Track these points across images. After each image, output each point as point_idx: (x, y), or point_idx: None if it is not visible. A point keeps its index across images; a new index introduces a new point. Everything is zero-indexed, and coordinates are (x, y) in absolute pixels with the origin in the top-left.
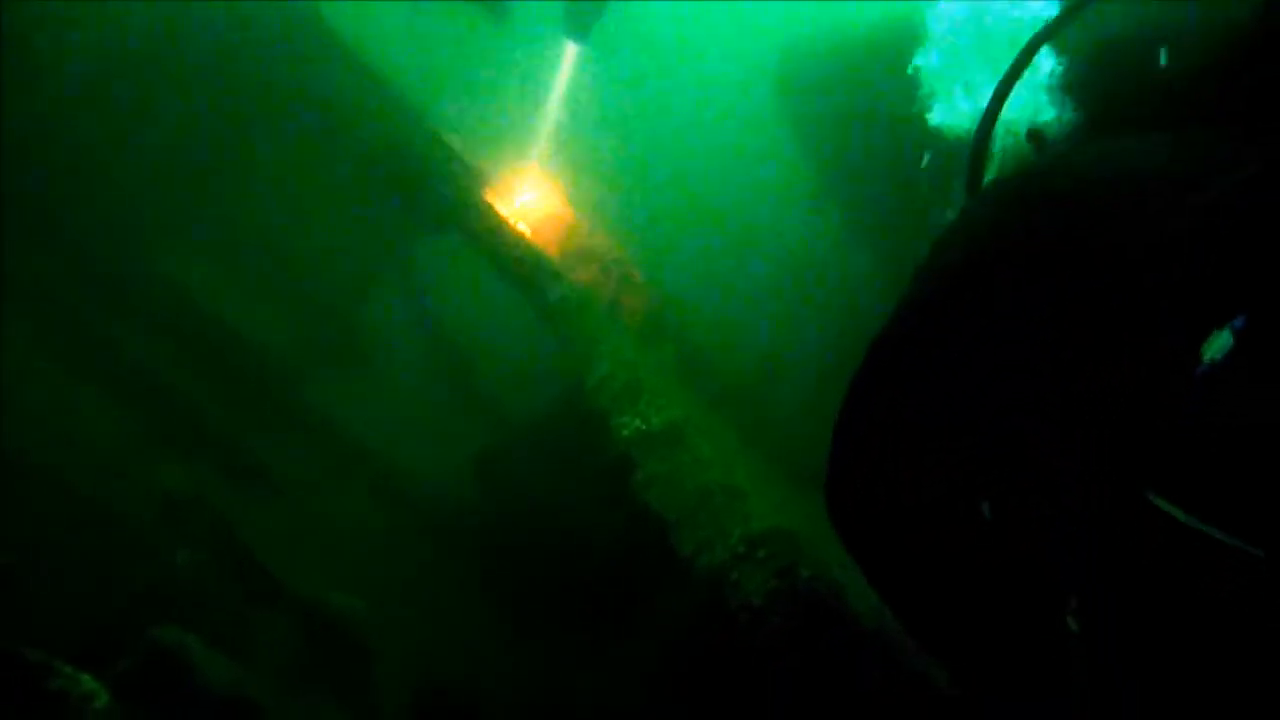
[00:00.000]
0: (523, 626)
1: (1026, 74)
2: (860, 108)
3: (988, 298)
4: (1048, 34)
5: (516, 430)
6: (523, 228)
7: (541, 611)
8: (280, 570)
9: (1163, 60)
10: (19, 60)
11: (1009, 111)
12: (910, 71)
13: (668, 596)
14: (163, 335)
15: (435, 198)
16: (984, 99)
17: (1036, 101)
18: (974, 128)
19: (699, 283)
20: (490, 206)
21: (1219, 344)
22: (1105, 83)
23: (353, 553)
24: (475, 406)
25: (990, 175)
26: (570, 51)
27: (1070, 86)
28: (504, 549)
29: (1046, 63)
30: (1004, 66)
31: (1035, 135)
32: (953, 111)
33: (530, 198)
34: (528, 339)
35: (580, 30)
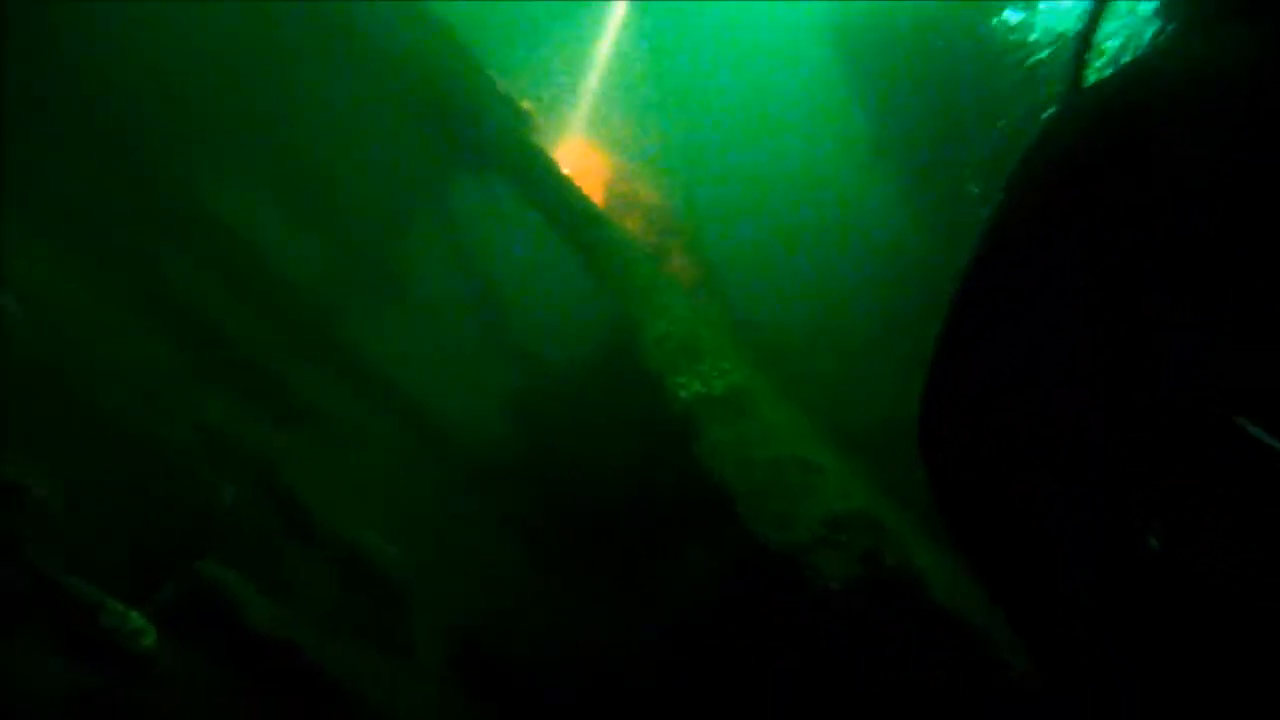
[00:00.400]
0: (552, 569)
1: None
2: (920, 69)
3: (1088, 209)
4: None
5: (553, 372)
6: (568, 172)
7: (571, 555)
8: (319, 508)
9: None
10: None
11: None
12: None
13: (699, 549)
14: (209, 266)
15: (479, 136)
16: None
17: None
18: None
19: (745, 240)
20: (535, 148)
21: None
22: None
23: (387, 490)
24: (511, 346)
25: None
26: (620, 6)
27: None
28: (536, 492)
29: None
30: None
31: None
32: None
33: (578, 144)
34: (567, 281)
35: None
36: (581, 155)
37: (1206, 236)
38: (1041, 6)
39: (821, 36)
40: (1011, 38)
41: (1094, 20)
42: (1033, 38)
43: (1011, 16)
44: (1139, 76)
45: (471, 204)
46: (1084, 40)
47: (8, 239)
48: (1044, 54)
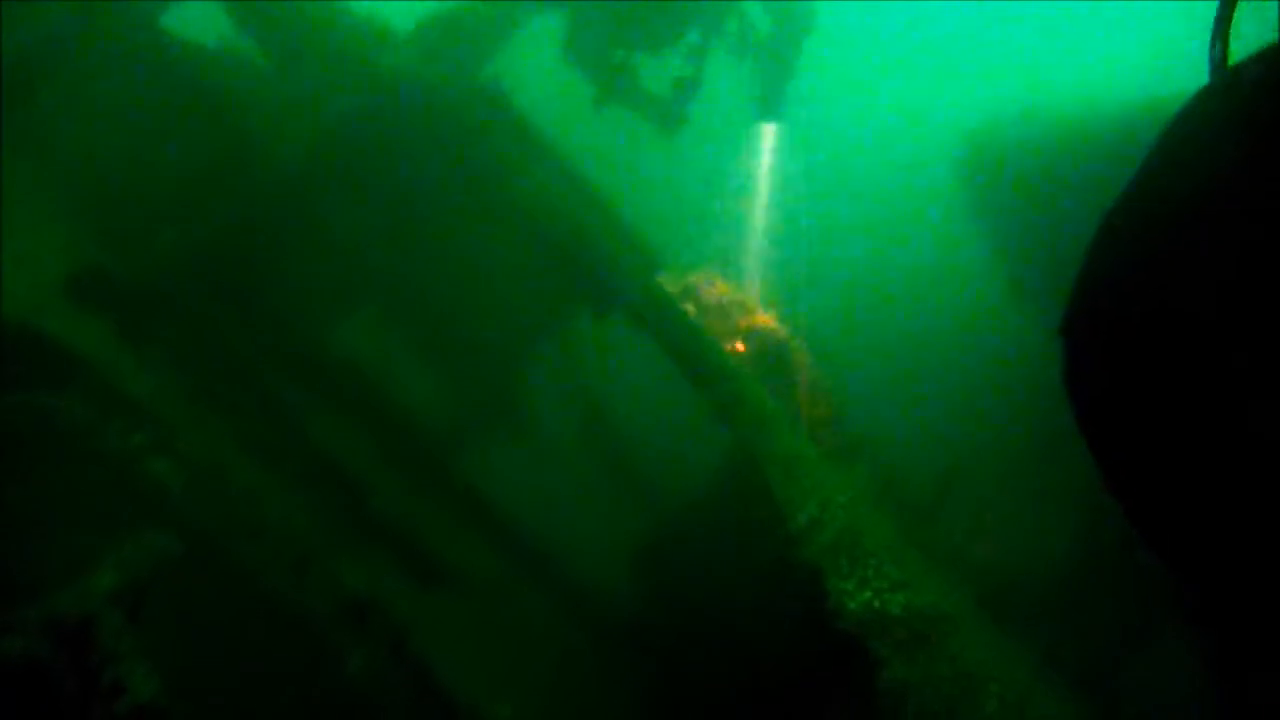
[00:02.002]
0: None
1: None
2: (1049, 196)
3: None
4: None
5: (679, 524)
6: (696, 317)
7: None
8: (448, 678)
9: None
10: (240, 150)
11: None
12: None
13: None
14: (340, 414)
15: (605, 279)
16: None
17: None
18: None
19: (878, 383)
20: (663, 294)
21: None
22: None
23: (517, 655)
24: (634, 490)
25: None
26: (767, 134)
27: None
28: (663, 653)
29: None
30: None
31: None
32: None
33: (708, 286)
34: (691, 429)
35: (772, 111)
36: (713, 289)
37: None
38: None
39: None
40: None
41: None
42: None
43: None
44: None
45: (592, 341)
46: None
47: (166, 404)
48: None
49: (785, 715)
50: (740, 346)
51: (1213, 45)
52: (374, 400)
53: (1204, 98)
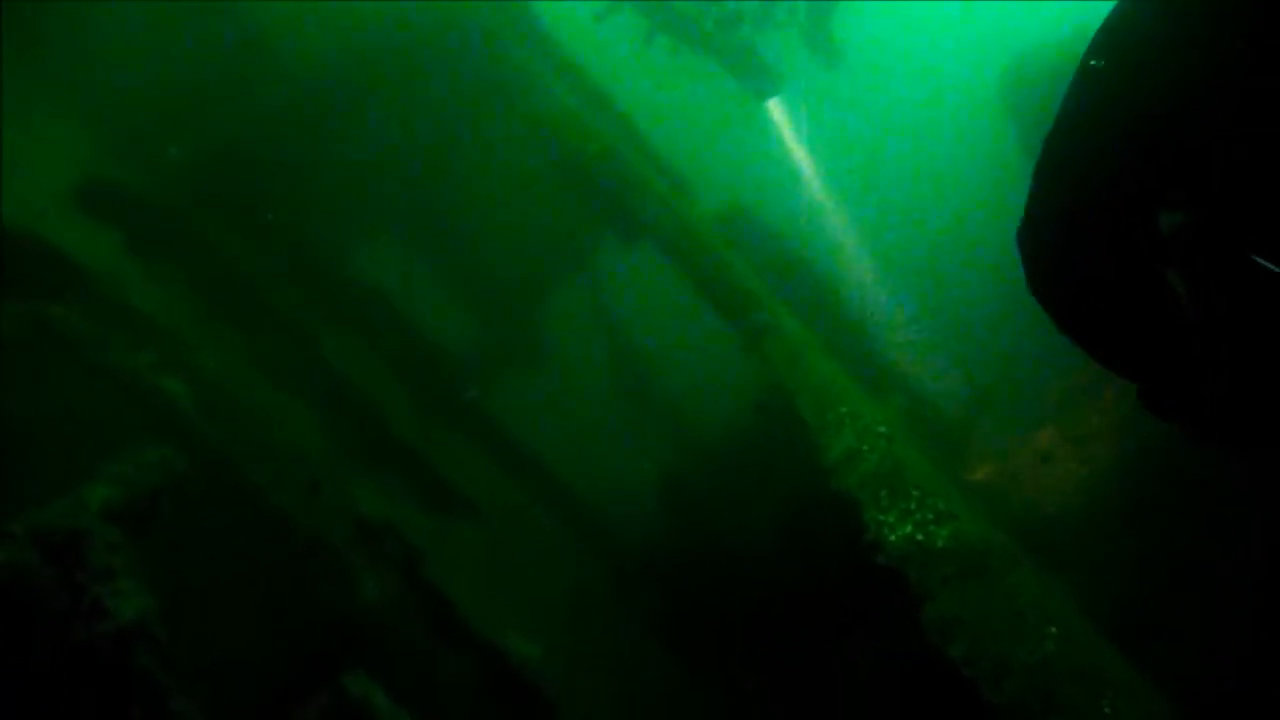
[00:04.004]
0: (704, 670)
1: None
2: None
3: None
4: None
5: (706, 455)
6: (725, 248)
7: (725, 655)
8: (463, 602)
9: None
10: (258, 61)
11: None
12: None
13: (864, 643)
14: (360, 339)
15: (637, 207)
16: None
17: None
18: None
19: (914, 309)
20: (691, 219)
21: None
22: None
23: (536, 582)
24: (660, 418)
25: None
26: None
27: None
28: (688, 583)
29: None
30: None
31: None
32: None
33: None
34: (719, 360)
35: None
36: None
37: None
38: None
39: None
40: None
41: None
42: None
43: None
44: None
45: (621, 270)
46: None
47: (181, 321)
48: None
49: (809, 651)
50: None
51: None
52: (393, 324)
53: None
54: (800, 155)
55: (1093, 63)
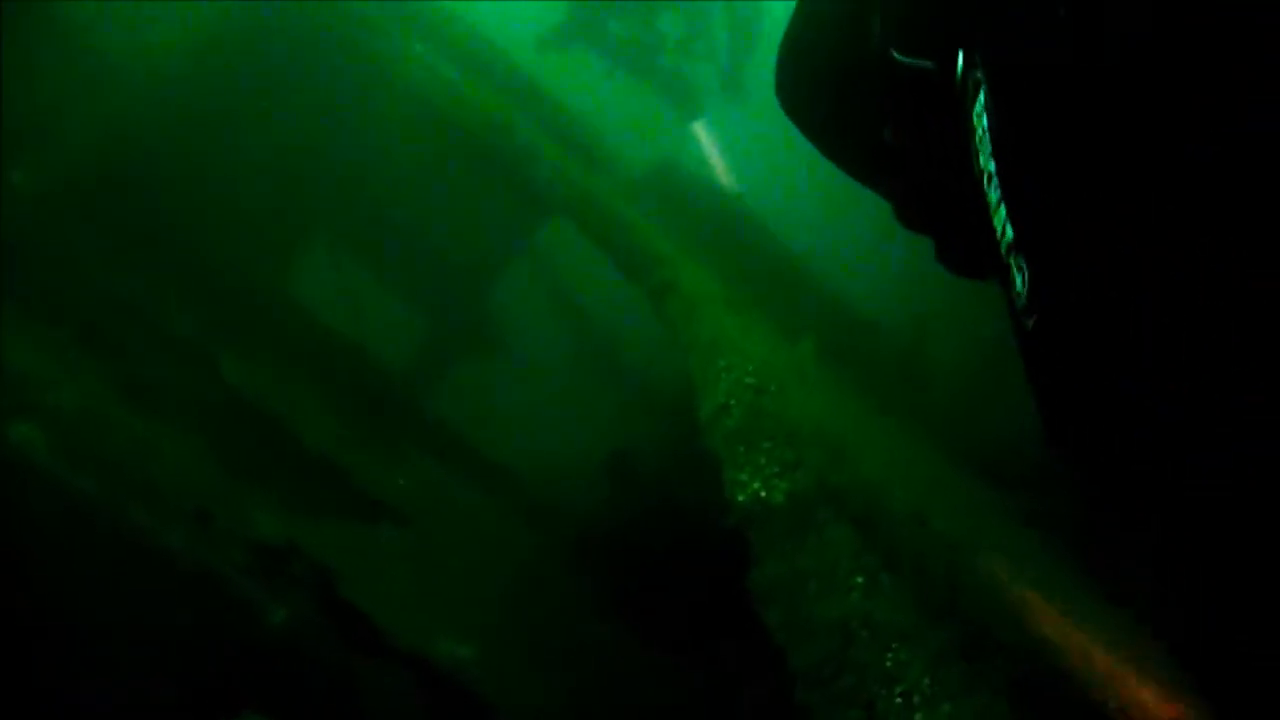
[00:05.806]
0: (655, 652)
1: None
2: None
3: None
4: None
5: (656, 420)
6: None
7: (675, 635)
8: (382, 613)
9: None
10: (92, 67)
11: None
12: None
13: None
14: (265, 352)
15: (535, 178)
16: None
17: None
18: None
19: (827, 232)
20: (592, 187)
21: None
22: None
23: (474, 577)
24: (606, 393)
25: None
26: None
27: None
28: (635, 563)
29: None
30: None
31: None
32: None
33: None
34: (648, 329)
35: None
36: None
37: None
38: None
39: None
40: None
41: None
42: None
43: None
44: None
45: (557, 244)
46: None
47: (22, 358)
48: None
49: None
50: None
51: None
52: (303, 330)
53: None
54: (724, 172)
55: None
